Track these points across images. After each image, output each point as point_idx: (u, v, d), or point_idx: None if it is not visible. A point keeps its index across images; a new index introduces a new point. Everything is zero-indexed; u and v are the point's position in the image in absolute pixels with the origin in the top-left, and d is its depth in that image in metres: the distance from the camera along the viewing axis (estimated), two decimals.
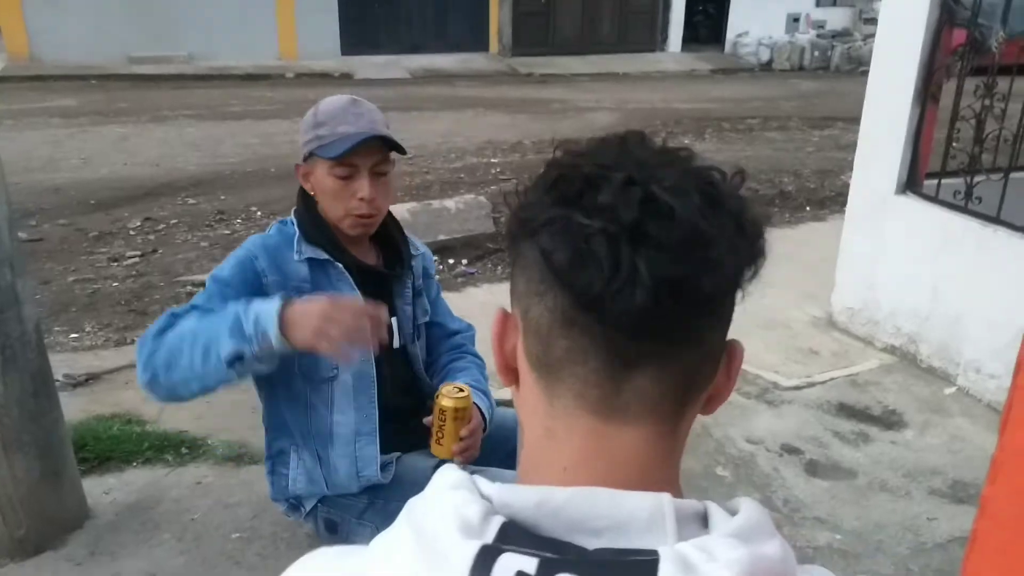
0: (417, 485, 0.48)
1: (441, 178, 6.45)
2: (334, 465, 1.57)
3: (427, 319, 1.72)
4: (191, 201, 5.70)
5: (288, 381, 1.54)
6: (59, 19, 11.94)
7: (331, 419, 1.55)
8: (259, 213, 5.38)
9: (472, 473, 0.48)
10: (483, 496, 0.45)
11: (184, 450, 2.53)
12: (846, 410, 3.16)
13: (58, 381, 2.56)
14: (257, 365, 1.28)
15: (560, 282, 0.46)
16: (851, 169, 6.96)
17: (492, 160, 7.42)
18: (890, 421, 3.09)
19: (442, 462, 1.44)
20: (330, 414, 1.55)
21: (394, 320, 1.62)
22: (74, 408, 2.65)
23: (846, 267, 3.88)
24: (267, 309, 1.26)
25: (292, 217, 1.57)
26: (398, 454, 1.63)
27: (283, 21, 13.30)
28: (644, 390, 0.47)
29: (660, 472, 0.49)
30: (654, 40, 16.00)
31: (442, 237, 4.84)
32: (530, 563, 0.41)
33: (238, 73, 12.16)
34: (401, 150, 1.50)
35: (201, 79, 11.76)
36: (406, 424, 1.61)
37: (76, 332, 3.56)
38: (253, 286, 1.44)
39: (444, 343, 1.77)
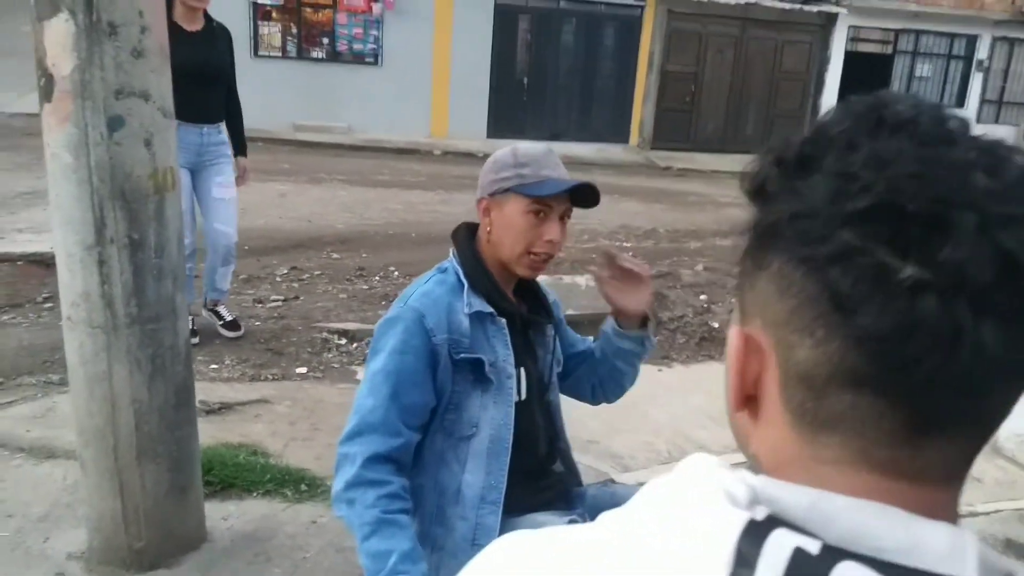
0: None
1: (572, 256, 6.46)
2: (452, 525, 1.50)
3: (560, 368, 1.68)
4: (335, 256, 5.96)
5: (431, 438, 1.50)
6: (239, 87, 13.10)
7: (461, 478, 1.50)
8: (396, 272, 5.54)
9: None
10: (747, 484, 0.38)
11: (303, 487, 2.53)
12: (1014, 548, 2.79)
13: None
14: None
15: (856, 337, 0.38)
16: None
17: (625, 244, 7.38)
18: None
19: (572, 521, 1.34)
20: (461, 472, 1.50)
21: (521, 370, 1.57)
22: (205, 434, 2.72)
23: None
24: None
25: (453, 262, 1.56)
26: (524, 515, 1.54)
27: (437, 103, 14.06)
28: (945, 453, 0.40)
29: None
30: None
31: (570, 312, 4.78)
32: (812, 544, 0.34)
33: (390, 146, 12.88)
34: (595, 202, 1.51)
35: (357, 149, 12.53)
36: (537, 482, 1.53)
37: (216, 363, 3.71)
38: (423, 352, 1.44)
39: (587, 363, 1.74)
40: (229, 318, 4.07)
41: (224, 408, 3.12)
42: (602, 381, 1.71)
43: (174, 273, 1.77)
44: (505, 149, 1.53)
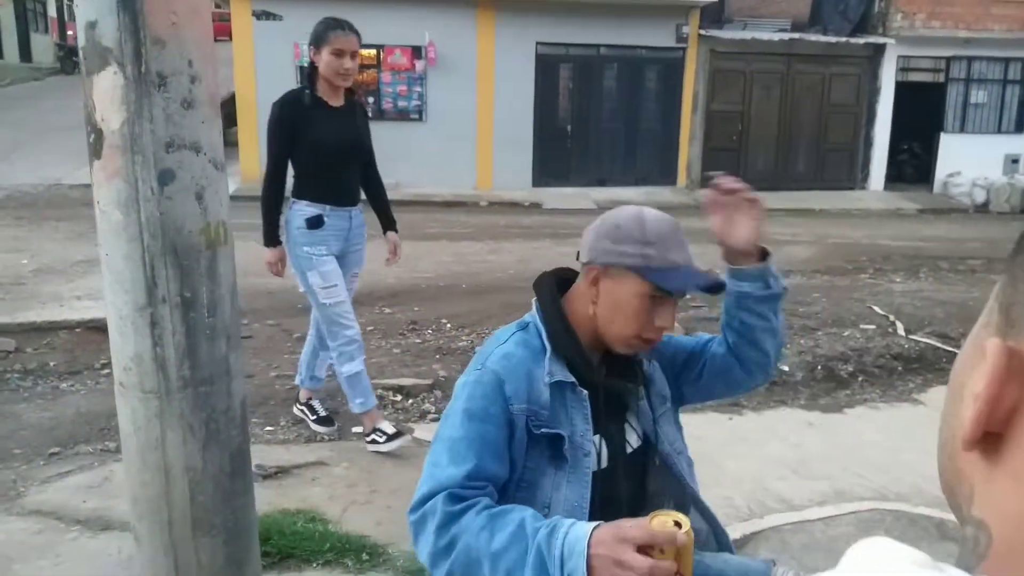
0: None
1: None
2: None
3: (668, 405, 1.51)
4: (387, 310, 5.88)
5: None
6: None
7: None
8: (448, 325, 5.43)
9: None
10: None
11: (365, 556, 2.38)
12: None
13: None
14: None
15: None
16: None
17: None
18: None
19: None
20: None
21: (626, 425, 1.41)
22: (261, 500, 2.60)
23: None
24: (577, 553, 1.09)
25: (535, 319, 1.42)
26: None
27: (482, 155, 14.16)
28: None
29: None
30: (853, 178, 15.39)
31: None
32: None
33: (438, 200, 12.95)
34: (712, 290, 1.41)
35: (405, 204, 12.58)
36: None
37: (271, 425, 3.61)
38: (501, 420, 1.31)
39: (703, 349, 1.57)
40: (323, 413, 3.68)
41: (281, 472, 3.00)
42: (738, 353, 1.50)
43: (227, 332, 1.67)
44: (628, 213, 1.39)
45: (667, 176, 14.85)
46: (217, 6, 23.08)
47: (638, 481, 1.46)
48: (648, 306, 1.33)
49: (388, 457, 3.25)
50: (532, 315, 1.43)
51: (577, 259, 1.43)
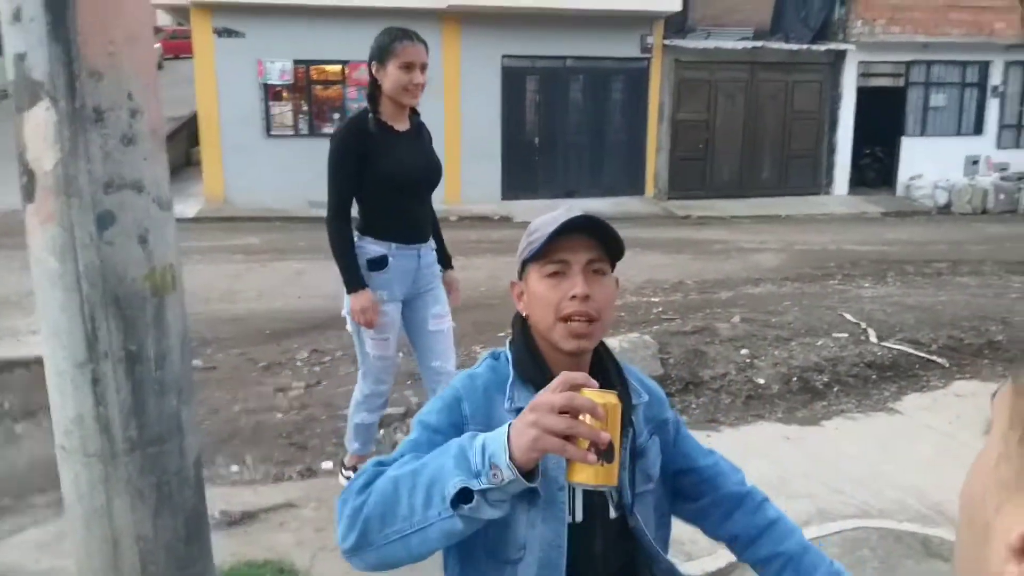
0: None
1: None
2: None
3: (651, 486, 1.37)
4: None
5: (473, 558, 1.25)
6: (252, 168, 13.23)
7: None
8: None
9: None
10: None
11: None
12: None
13: (213, 518, 2.40)
14: (487, 508, 1.03)
15: None
16: None
17: (653, 299, 7.14)
18: None
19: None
20: None
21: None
22: (226, 551, 2.47)
23: None
24: (496, 436, 1.04)
25: (508, 350, 1.36)
26: None
27: (450, 169, 14.03)
28: None
29: None
30: (818, 183, 15.56)
31: None
32: None
33: None
34: (618, 244, 1.29)
35: None
36: None
37: (237, 464, 3.46)
38: (452, 435, 1.20)
39: (718, 494, 1.42)
40: None
41: (247, 517, 2.86)
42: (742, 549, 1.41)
43: (178, 386, 1.54)
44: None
45: (635, 186, 14.89)
46: (178, 23, 22.80)
47: (628, 542, 1.34)
48: (552, 283, 1.27)
49: None
50: (505, 347, 1.37)
51: None
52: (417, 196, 2.86)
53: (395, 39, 2.70)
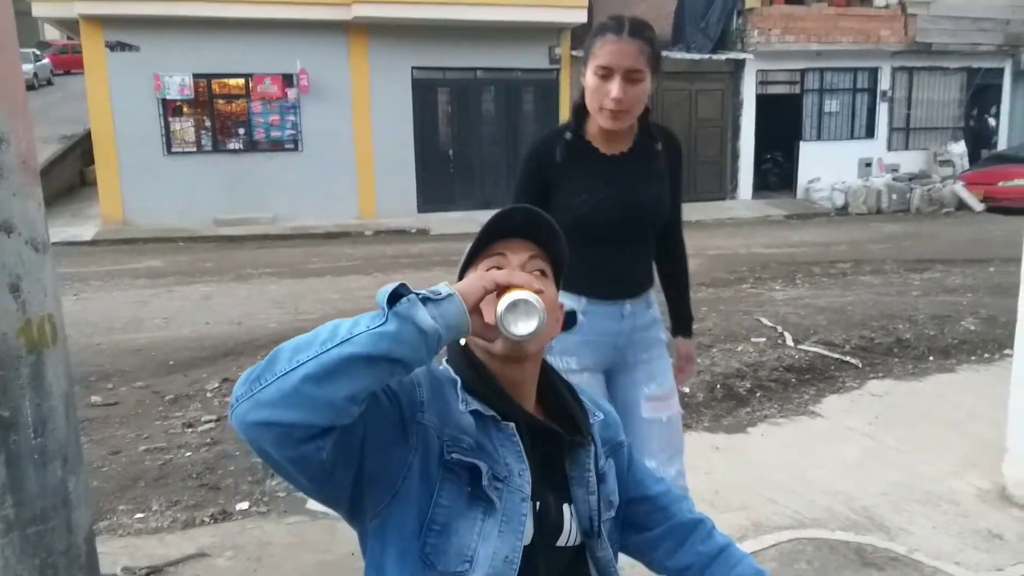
0: None
1: None
2: None
3: (612, 513, 1.29)
4: None
5: (404, 563, 1.10)
6: (153, 186, 12.63)
7: None
8: None
9: None
10: None
11: None
12: None
13: None
14: (421, 312, 0.99)
15: None
16: (971, 314, 6.45)
17: None
18: None
19: None
20: None
21: (568, 508, 1.20)
22: None
23: (1021, 430, 3.29)
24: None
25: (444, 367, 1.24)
26: None
27: (364, 183, 13.80)
28: None
29: None
30: (724, 189, 16.04)
31: None
32: None
33: (319, 232, 12.49)
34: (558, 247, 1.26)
35: (284, 238, 12.09)
36: None
37: (142, 511, 3.20)
38: (407, 414, 1.09)
39: (671, 523, 1.36)
40: None
41: (153, 572, 2.63)
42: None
43: (63, 452, 1.36)
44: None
45: None
46: (69, 38, 21.61)
47: (565, 571, 1.24)
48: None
49: (279, 537, 2.93)
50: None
51: None
52: (615, 239, 2.12)
53: (597, 33, 1.94)
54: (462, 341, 1.21)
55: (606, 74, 1.87)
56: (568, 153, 2.06)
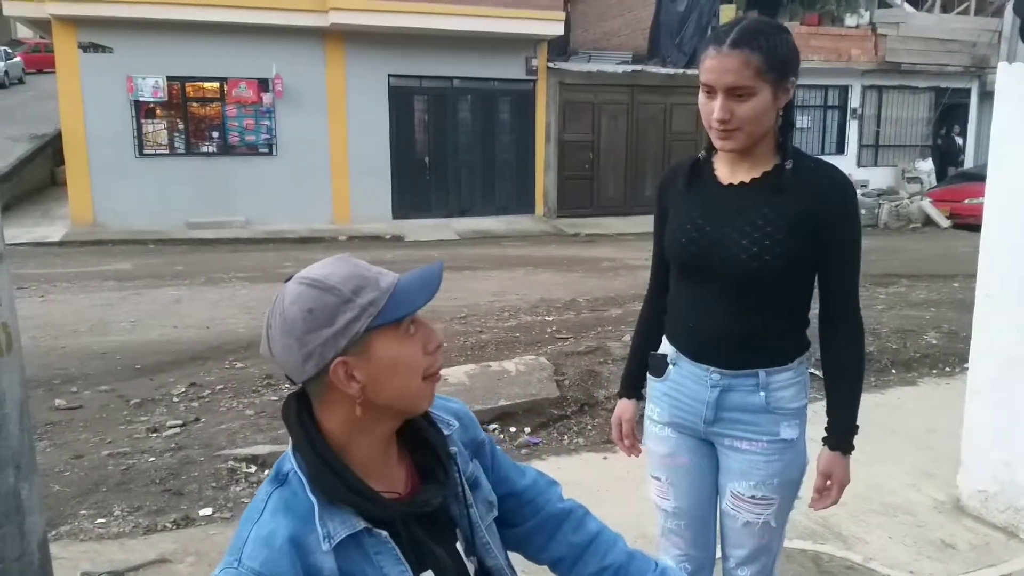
0: None
1: (496, 337, 6.17)
2: None
3: (495, 513, 1.26)
4: (239, 365, 5.45)
5: None
6: (124, 187, 12.50)
7: None
8: None
9: None
10: None
11: None
12: None
13: None
14: None
15: None
16: (934, 328, 6.58)
17: (547, 318, 7.15)
18: None
19: None
20: None
21: (459, 547, 1.18)
22: None
23: (974, 443, 3.37)
24: None
25: (294, 464, 1.11)
26: None
27: (338, 189, 13.76)
28: None
29: None
30: None
31: (503, 402, 4.47)
32: None
33: (292, 237, 12.43)
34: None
35: (256, 243, 12.01)
36: None
37: (103, 516, 3.18)
38: None
39: (540, 516, 1.33)
40: None
41: None
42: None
43: (16, 460, 1.36)
44: (296, 295, 1.07)
45: (525, 205, 15.04)
46: (41, 37, 21.31)
47: None
48: (415, 341, 1.11)
49: None
50: (290, 458, 1.12)
51: (292, 383, 1.12)
52: (706, 287, 1.75)
53: (705, 43, 1.69)
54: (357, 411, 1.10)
55: (709, 91, 1.66)
56: (689, 177, 1.80)
